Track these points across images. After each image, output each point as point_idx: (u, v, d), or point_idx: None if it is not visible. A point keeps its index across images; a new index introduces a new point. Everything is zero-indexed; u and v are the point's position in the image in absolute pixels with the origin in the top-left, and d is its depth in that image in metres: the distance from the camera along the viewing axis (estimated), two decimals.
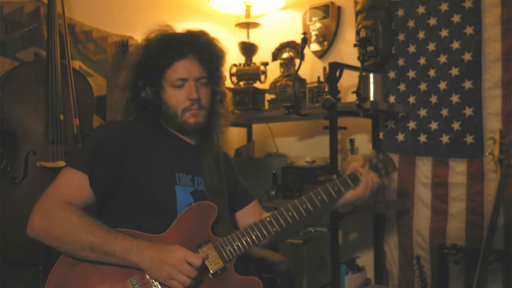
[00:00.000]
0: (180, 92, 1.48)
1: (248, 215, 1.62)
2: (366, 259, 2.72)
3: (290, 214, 1.42)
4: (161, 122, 1.54)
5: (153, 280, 1.29)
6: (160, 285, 1.29)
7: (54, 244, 1.30)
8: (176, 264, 1.25)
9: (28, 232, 1.32)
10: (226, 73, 2.83)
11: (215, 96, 1.57)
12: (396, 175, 2.65)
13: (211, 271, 1.34)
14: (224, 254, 1.36)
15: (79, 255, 1.28)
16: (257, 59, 2.94)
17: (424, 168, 2.57)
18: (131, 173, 1.40)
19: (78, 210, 1.32)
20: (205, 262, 1.33)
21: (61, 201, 1.32)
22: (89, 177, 1.36)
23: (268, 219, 1.41)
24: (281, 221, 1.41)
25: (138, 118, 1.51)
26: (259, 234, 1.39)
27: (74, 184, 1.36)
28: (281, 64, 2.83)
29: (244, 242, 1.38)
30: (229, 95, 2.85)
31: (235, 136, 3.34)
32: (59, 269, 1.30)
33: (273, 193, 2.59)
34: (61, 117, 2.09)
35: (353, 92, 2.28)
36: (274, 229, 1.40)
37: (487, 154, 2.30)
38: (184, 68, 1.48)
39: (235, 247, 1.37)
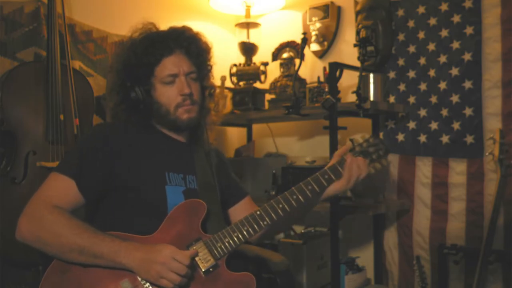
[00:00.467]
0: (171, 88, 1.46)
1: (241, 211, 1.60)
2: (366, 259, 2.72)
3: (280, 206, 1.39)
4: (151, 122, 1.52)
5: (144, 281, 1.28)
6: (151, 286, 1.28)
7: (42, 247, 1.29)
8: (164, 262, 1.24)
9: (16, 236, 1.31)
10: (226, 73, 2.88)
11: (205, 91, 1.56)
12: (396, 175, 2.66)
13: (203, 269, 1.32)
14: (215, 251, 1.34)
15: (68, 258, 1.28)
16: (257, 59, 2.94)
17: (424, 168, 2.57)
18: (120, 175, 1.39)
19: (65, 213, 1.31)
20: (196, 260, 1.32)
21: (48, 205, 1.31)
22: (77, 182, 1.35)
23: (258, 212, 1.38)
24: (272, 214, 1.38)
25: (128, 120, 1.48)
26: (250, 229, 1.37)
27: (60, 188, 1.35)
28: (281, 64, 2.82)
29: (235, 238, 1.36)
30: (229, 95, 2.88)
31: (235, 136, 3.35)
32: (50, 276, 1.30)
33: (273, 193, 2.58)
34: (61, 117, 2.09)
35: (353, 92, 2.28)
36: (265, 222, 1.38)
37: (487, 154, 2.30)
38: (173, 64, 1.46)
39: (226, 243, 1.35)
